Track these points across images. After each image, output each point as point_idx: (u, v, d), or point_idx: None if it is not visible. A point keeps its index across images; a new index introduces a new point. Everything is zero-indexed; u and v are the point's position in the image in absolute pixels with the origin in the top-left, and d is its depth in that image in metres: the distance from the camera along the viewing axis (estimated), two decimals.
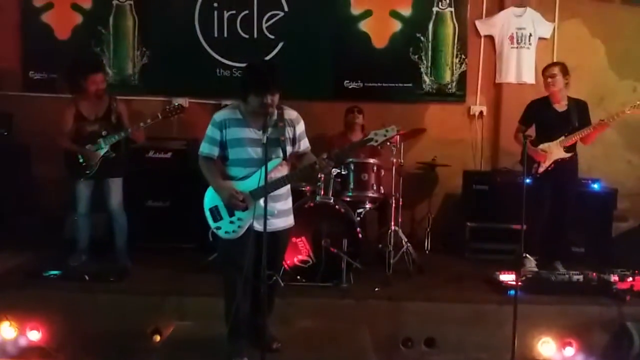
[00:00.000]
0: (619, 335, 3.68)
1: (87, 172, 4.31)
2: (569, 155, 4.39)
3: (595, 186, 5.03)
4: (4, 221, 4.88)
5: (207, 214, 3.07)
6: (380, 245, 4.59)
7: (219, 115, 3.03)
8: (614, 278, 3.89)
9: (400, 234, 4.54)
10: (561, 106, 4.45)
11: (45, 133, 5.02)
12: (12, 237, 4.80)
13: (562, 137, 4.36)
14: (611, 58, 5.69)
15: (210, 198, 3.06)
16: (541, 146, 4.40)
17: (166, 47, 5.64)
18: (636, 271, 3.97)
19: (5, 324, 3.66)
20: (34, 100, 5.56)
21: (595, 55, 5.65)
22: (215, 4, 5.60)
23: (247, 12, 5.60)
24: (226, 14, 5.61)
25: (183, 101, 5.39)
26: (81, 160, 4.30)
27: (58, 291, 3.83)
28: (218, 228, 3.04)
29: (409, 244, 4.51)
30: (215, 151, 3.02)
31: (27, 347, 3.67)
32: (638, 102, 4.34)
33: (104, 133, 4.30)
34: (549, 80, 4.45)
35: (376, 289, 3.96)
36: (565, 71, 4.45)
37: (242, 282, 2.96)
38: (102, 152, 4.29)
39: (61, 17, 5.62)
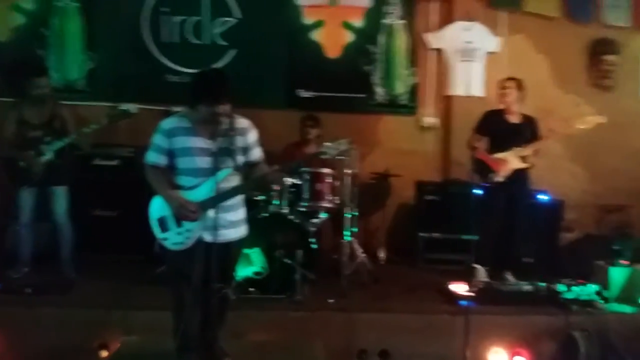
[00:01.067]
0: (566, 344, 3.77)
1: (30, 179, 4.10)
2: (525, 165, 4.48)
3: (544, 197, 5.17)
4: None
5: (154, 224, 2.95)
6: (334, 256, 4.55)
7: (166, 123, 2.92)
8: (561, 288, 3.98)
9: (355, 244, 4.52)
10: (514, 118, 4.56)
11: None
12: None
13: (518, 148, 4.45)
14: (555, 73, 5.92)
15: (157, 208, 2.94)
16: (499, 155, 4.47)
17: (114, 51, 5.48)
18: (582, 281, 4.10)
19: None
20: None
21: (540, 70, 5.87)
22: (165, 9, 5.48)
23: (198, 17, 5.51)
24: (176, 19, 5.51)
25: (131, 107, 5.20)
26: (23, 166, 4.08)
27: None
28: (165, 239, 2.92)
29: (363, 255, 4.50)
30: (162, 160, 2.91)
31: None
32: (587, 119, 4.49)
33: (47, 139, 4.12)
34: (503, 91, 4.56)
35: (330, 301, 3.92)
36: (520, 86, 4.57)
37: (191, 295, 2.86)
38: (44, 159, 4.09)
39: (1, 19, 5.35)
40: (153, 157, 2.92)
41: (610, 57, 5.94)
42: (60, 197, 4.23)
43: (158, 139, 2.91)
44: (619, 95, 6.00)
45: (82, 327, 3.54)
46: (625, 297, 4.20)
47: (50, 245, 4.44)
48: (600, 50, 5.95)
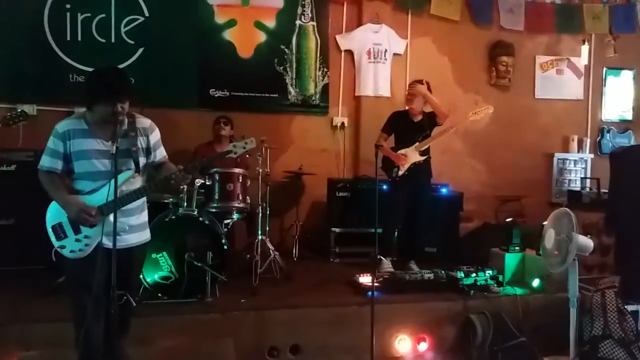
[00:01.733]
0: (465, 327, 4.02)
1: None
2: (423, 158, 4.74)
3: (444, 190, 5.50)
4: None
5: (50, 232, 2.82)
6: (248, 256, 4.56)
7: (61, 126, 2.80)
8: (460, 274, 4.23)
9: (268, 243, 4.56)
10: (417, 118, 4.82)
11: None
12: None
13: (417, 143, 4.72)
14: (456, 73, 6.28)
15: (53, 215, 2.82)
16: (400, 151, 4.74)
17: (12, 48, 5.17)
18: (479, 267, 4.37)
19: None
20: None
21: (443, 71, 6.20)
22: (68, 6, 5.26)
23: (103, 15, 5.34)
24: (80, 17, 5.30)
25: (30, 108, 4.95)
26: None
27: None
28: (62, 247, 2.81)
29: (276, 252, 4.55)
30: (59, 164, 2.80)
31: None
32: (478, 110, 4.85)
33: None
34: (409, 98, 4.80)
35: (242, 300, 3.92)
36: (427, 89, 4.78)
37: (92, 304, 2.77)
38: None
39: None
40: (48, 162, 2.80)
41: (506, 59, 6.38)
42: None
43: (53, 143, 2.79)
44: (514, 94, 6.46)
45: None
46: (517, 280, 4.55)
47: None
48: (497, 52, 6.38)
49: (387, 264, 4.68)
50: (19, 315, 3.56)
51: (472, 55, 6.35)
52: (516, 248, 4.64)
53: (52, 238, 2.83)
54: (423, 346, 3.96)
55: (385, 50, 5.95)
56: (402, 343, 3.93)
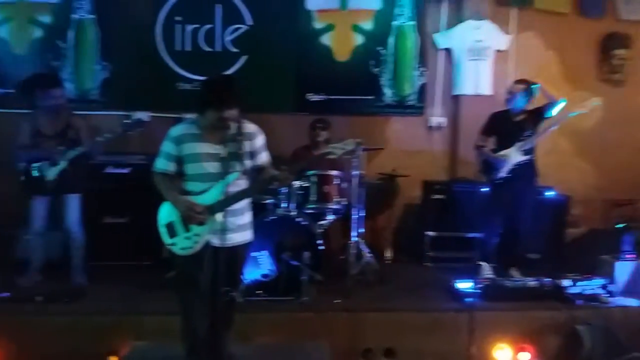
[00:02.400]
0: (570, 339, 3.78)
1: (44, 188, 4.22)
2: (526, 157, 4.52)
3: (549, 193, 5.18)
4: None
5: (162, 230, 3.04)
6: (342, 257, 4.61)
7: (174, 130, 3.01)
8: (566, 283, 3.99)
9: (362, 244, 4.57)
10: (519, 117, 4.61)
11: (0, 148, 4.92)
12: None
13: (519, 143, 4.51)
14: (565, 69, 5.88)
15: (166, 214, 3.03)
16: (501, 153, 4.55)
17: (128, 60, 5.60)
18: (587, 275, 4.10)
19: None
20: None
21: (550, 67, 5.84)
22: (178, 18, 5.59)
23: (210, 25, 5.62)
24: (189, 28, 5.61)
25: (144, 115, 5.34)
26: (37, 175, 4.22)
27: (8, 314, 3.71)
28: (173, 244, 3.01)
29: (370, 255, 4.55)
30: (171, 167, 3.00)
31: None
32: (584, 103, 4.54)
33: (61, 149, 4.21)
34: (508, 97, 4.61)
35: (336, 301, 3.97)
36: (528, 92, 4.56)
37: (200, 300, 2.96)
38: (59, 168, 4.21)
39: (19, 31, 5.53)
40: (162, 164, 3.01)
41: (621, 52, 5.89)
42: (73, 205, 4.31)
43: (167, 146, 3.00)
44: (628, 90, 5.94)
45: (93, 334, 3.61)
46: (629, 290, 4.20)
47: (60, 253, 4.54)
48: (611, 44, 5.90)
49: (487, 270, 4.51)
50: (132, 307, 3.87)
51: (581, 49, 5.93)
52: (629, 256, 4.28)
53: (164, 236, 3.04)
54: (524, 356, 3.76)
55: (487, 47, 5.72)
56: (502, 352, 3.77)
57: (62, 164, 4.21)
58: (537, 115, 4.59)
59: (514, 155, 4.52)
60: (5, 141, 4.64)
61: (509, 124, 4.60)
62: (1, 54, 5.51)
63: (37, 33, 5.56)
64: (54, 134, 4.30)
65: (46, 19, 5.56)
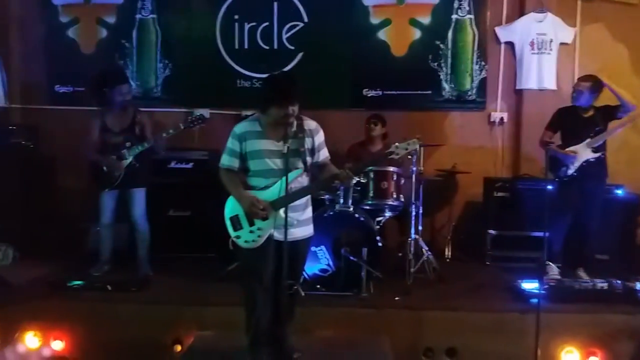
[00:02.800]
0: None
1: (112, 182, 4.38)
2: (597, 155, 4.35)
3: (619, 192, 4.94)
4: (29, 231, 5.01)
5: (228, 222, 3.09)
6: (400, 254, 4.56)
7: (239, 128, 3.06)
8: (639, 286, 3.80)
9: (421, 242, 4.51)
10: (588, 113, 4.44)
11: (70, 145, 5.16)
12: (37, 247, 4.94)
13: (589, 139, 4.35)
14: (635, 62, 5.60)
15: (231, 207, 3.09)
16: (570, 148, 4.40)
17: (188, 59, 5.75)
18: None
19: (30, 334, 3.72)
20: (59, 113, 5.72)
21: (619, 60, 5.57)
22: (237, 16, 5.68)
23: (267, 23, 5.68)
24: (247, 26, 5.69)
25: (204, 112, 5.46)
26: (106, 170, 4.38)
27: (81, 301, 3.90)
28: (238, 237, 3.06)
29: (429, 253, 4.49)
30: (236, 163, 3.05)
31: (50, 356, 3.72)
32: None
33: (128, 144, 4.36)
34: (574, 94, 4.43)
35: (396, 298, 3.94)
36: (595, 88, 4.39)
37: (263, 292, 2.99)
38: (126, 163, 4.36)
39: (86, 32, 5.77)
40: (227, 161, 3.06)
41: None
42: (139, 198, 4.46)
43: (231, 143, 3.05)
44: None
45: (158, 322, 3.74)
46: None
47: (128, 245, 4.72)
48: None
49: (554, 271, 4.35)
50: (195, 298, 3.96)
51: None
52: None
53: (230, 228, 3.09)
54: None
55: (551, 40, 5.52)
56: (570, 355, 3.64)
57: (129, 159, 4.35)
58: (608, 113, 4.40)
59: (583, 152, 4.37)
60: (75, 137, 4.86)
61: (578, 119, 4.42)
62: (70, 54, 5.77)
63: (103, 33, 5.79)
64: (121, 130, 4.45)
65: (111, 19, 5.78)
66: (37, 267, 4.60)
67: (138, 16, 5.75)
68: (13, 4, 5.80)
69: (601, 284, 3.93)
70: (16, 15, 5.81)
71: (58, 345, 3.71)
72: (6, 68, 5.66)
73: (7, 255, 4.78)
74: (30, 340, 3.73)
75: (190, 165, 5.15)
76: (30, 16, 5.81)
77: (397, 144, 2.98)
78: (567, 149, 4.39)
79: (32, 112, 5.77)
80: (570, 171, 4.37)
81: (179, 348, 3.61)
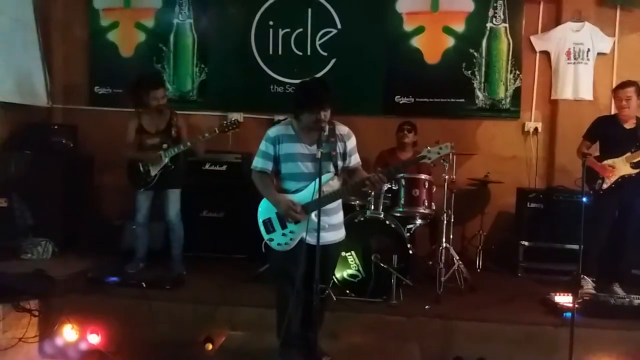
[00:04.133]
0: None
1: (148, 182, 4.48)
2: (635, 171, 4.25)
3: None
4: (69, 228, 5.16)
5: (261, 225, 3.14)
6: (430, 262, 4.55)
7: (272, 131, 3.11)
8: None
9: (452, 251, 4.48)
10: (629, 124, 4.34)
11: (108, 145, 5.29)
12: (76, 244, 5.11)
13: (629, 154, 4.25)
14: None
15: (264, 210, 3.13)
16: (607, 161, 4.30)
17: (223, 63, 5.84)
18: None
19: (68, 327, 3.84)
20: (98, 114, 5.88)
21: None
22: (271, 22, 5.75)
23: (301, 29, 5.73)
24: (281, 32, 5.75)
25: (238, 116, 5.55)
26: (142, 170, 4.48)
27: (117, 297, 3.99)
28: (271, 240, 3.10)
29: (460, 262, 4.45)
30: (269, 166, 3.10)
31: (87, 350, 3.83)
32: None
33: (164, 146, 4.45)
34: (624, 102, 4.30)
35: (427, 307, 3.92)
36: (638, 90, 4.31)
37: (294, 294, 3.02)
38: (162, 165, 4.45)
39: (125, 35, 5.93)
40: (260, 164, 3.11)
41: None
42: (174, 199, 4.56)
43: (265, 146, 3.10)
44: None
45: (190, 321, 3.81)
46: None
47: (163, 244, 4.84)
48: None
49: (588, 285, 4.26)
50: (227, 298, 4.01)
51: None
52: None
53: (262, 231, 3.13)
54: None
55: (588, 50, 5.44)
56: None
57: (165, 161, 4.44)
58: None
59: (621, 167, 4.26)
60: (113, 137, 4.99)
61: (618, 130, 4.33)
62: (110, 57, 5.93)
63: (142, 37, 5.93)
64: (157, 131, 4.56)
65: (150, 23, 5.92)
66: (75, 262, 4.73)
67: (175, 21, 5.87)
68: (56, 8, 5.99)
69: (637, 300, 3.85)
70: (59, 18, 6.01)
71: (94, 339, 3.81)
72: (49, 69, 5.84)
73: (47, 250, 4.93)
74: (69, 333, 3.84)
75: (224, 168, 5.24)
76: (72, 19, 6.00)
77: (429, 147, 2.99)
78: (604, 162, 4.30)
79: (73, 112, 5.95)
80: (606, 185, 4.27)
81: (210, 347, 3.65)
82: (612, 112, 4.42)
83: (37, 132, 5.42)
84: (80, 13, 5.98)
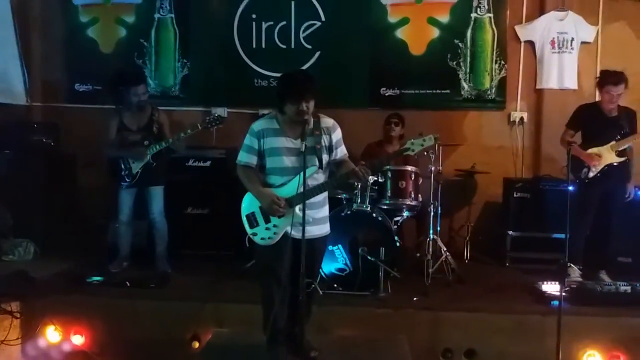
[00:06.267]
0: None
1: (130, 180, 4.41)
2: (620, 160, 4.26)
3: None
4: (51, 228, 5.08)
5: (244, 220, 3.09)
6: (418, 254, 4.53)
7: (256, 125, 3.06)
8: None
9: (439, 242, 4.48)
10: (612, 113, 4.34)
11: (90, 143, 5.20)
12: (57, 244, 5.00)
13: (613, 142, 4.26)
14: None
15: (248, 204, 3.09)
16: (592, 150, 4.30)
17: (206, 58, 5.78)
18: None
19: (51, 328, 3.77)
20: (79, 111, 5.78)
21: None
22: (254, 15, 5.69)
23: (284, 22, 5.67)
24: (264, 25, 5.69)
25: (222, 111, 5.47)
26: (124, 167, 4.40)
27: (100, 297, 3.92)
28: (254, 234, 3.06)
29: (447, 253, 4.44)
30: (254, 160, 3.06)
31: (71, 351, 3.76)
32: None
33: (145, 143, 4.38)
34: (615, 98, 4.27)
35: (415, 299, 3.90)
36: (626, 84, 4.30)
37: (280, 290, 2.98)
38: (144, 162, 4.38)
39: (106, 31, 5.84)
40: (245, 158, 3.07)
41: None
42: (157, 196, 4.49)
43: (249, 140, 3.06)
44: None
45: (176, 319, 3.75)
46: None
47: (147, 242, 4.76)
48: None
49: (575, 273, 4.27)
50: (213, 295, 3.96)
51: None
52: None
53: (246, 226, 3.09)
54: None
55: (572, 39, 5.44)
56: (592, 359, 3.57)
57: (147, 158, 4.37)
58: (631, 118, 4.30)
59: (607, 155, 4.27)
60: (94, 135, 4.90)
61: (602, 119, 4.33)
62: (90, 53, 5.84)
63: (122, 32, 5.84)
64: (139, 128, 4.48)
65: (130, 19, 5.83)
66: (57, 262, 4.65)
67: (157, 16, 5.79)
68: (34, 4, 5.89)
69: (624, 287, 3.85)
70: (37, 15, 5.89)
71: (78, 339, 3.75)
72: (27, 66, 5.73)
73: (28, 250, 4.86)
74: (51, 334, 3.77)
75: (208, 164, 5.17)
76: (51, 16, 5.89)
77: (412, 140, 2.96)
78: (590, 151, 4.30)
79: (53, 110, 5.85)
80: (592, 174, 4.29)
81: (196, 345, 3.62)
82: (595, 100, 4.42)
83: (16, 131, 5.32)
84: (59, 9, 5.88)
